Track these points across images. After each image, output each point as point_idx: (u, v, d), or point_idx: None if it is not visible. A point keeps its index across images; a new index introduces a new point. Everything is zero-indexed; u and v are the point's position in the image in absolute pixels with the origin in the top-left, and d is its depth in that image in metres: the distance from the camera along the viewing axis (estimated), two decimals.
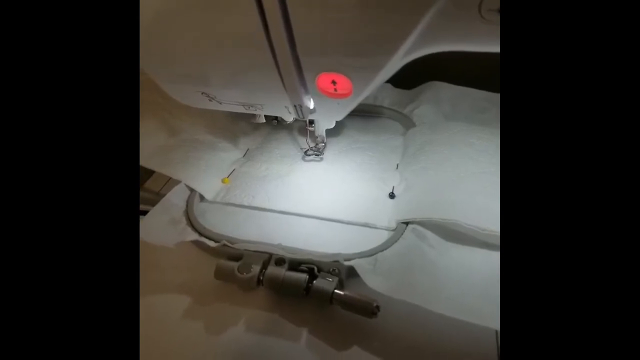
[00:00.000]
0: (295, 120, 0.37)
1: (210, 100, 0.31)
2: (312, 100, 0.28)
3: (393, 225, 0.34)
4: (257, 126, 0.47)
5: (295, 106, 0.29)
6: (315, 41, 0.22)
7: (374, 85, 0.26)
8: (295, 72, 0.25)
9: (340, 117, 0.31)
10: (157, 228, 0.33)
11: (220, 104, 0.31)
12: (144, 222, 0.33)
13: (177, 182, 0.38)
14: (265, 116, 0.38)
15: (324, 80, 0.25)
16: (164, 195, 0.39)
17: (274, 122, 0.40)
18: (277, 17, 0.21)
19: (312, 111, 0.29)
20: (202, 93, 0.30)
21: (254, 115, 0.37)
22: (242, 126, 0.46)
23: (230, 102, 0.31)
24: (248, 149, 0.44)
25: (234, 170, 0.41)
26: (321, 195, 0.38)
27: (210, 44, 0.25)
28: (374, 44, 0.21)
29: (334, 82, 0.25)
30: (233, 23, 0.23)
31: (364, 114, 0.48)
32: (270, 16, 0.21)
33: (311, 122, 0.39)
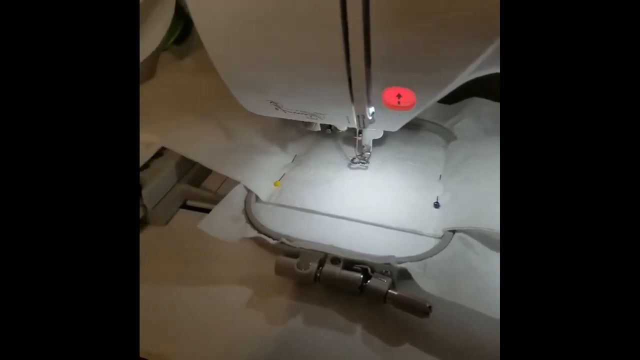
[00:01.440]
0: (347, 129, 0.40)
1: (276, 109, 0.34)
2: (374, 111, 0.31)
3: (440, 233, 0.35)
4: (305, 133, 0.50)
5: (358, 116, 0.31)
6: (391, 59, 0.25)
7: (435, 99, 0.28)
8: (365, 86, 0.27)
9: (396, 128, 0.33)
10: (221, 224, 0.36)
11: (285, 112, 0.34)
12: (209, 218, 0.36)
13: (232, 182, 0.41)
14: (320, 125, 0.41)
15: (390, 93, 0.28)
16: (220, 194, 0.42)
17: (328, 131, 0.43)
18: (359, 35, 0.24)
19: (372, 121, 0.32)
20: (270, 102, 0.33)
21: (309, 123, 0.40)
22: (290, 133, 0.49)
23: (295, 110, 0.33)
24: (296, 155, 0.47)
25: (284, 174, 0.44)
26: (368, 201, 0.40)
27: (289, 57, 0.27)
28: (447, 64, 0.24)
29: (399, 96, 0.28)
30: (316, 40, 0.25)
31: (407, 125, 0.50)
32: (353, 35, 0.24)
33: (359, 131, 0.41)
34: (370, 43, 0.24)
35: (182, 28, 0.75)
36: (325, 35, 0.25)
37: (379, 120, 0.32)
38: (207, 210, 0.41)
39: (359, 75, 0.27)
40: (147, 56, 0.63)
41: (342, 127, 0.39)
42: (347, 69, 0.26)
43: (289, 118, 0.35)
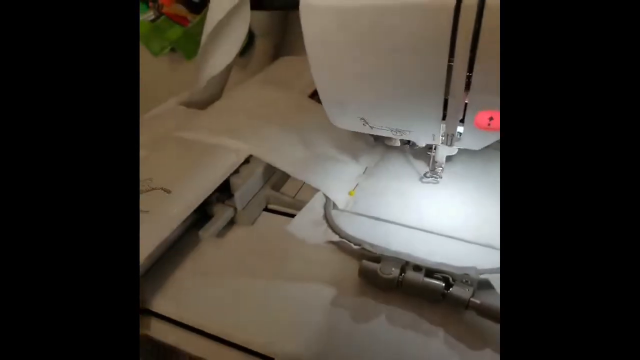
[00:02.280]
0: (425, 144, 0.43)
1: (363, 125, 0.37)
2: (462, 130, 0.33)
3: None
4: (373, 145, 0.52)
5: (447, 134, 0.34)
6: (490, 85, 0.27)
7: None
8: (460, 108, 0.30)
9: (480, 147, 0.35)
10: (305, 228, 0.39)
11: (372, 128, 0.37)
12: (295, 222, 0.39)
13: (307, 188, 0.44)
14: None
15: (482, 116, 0.30)
16: (298, 199, 0.45)
17: (406, 147, 0.45)
18: (463, 63, 0.26)
19: (458, 139, 0.34)
20: (360, 118, 0.36)
21: (389, 138, 0.42)
22: (360, 145, 0.52)
23: (382, 127, 0.36)
24: (367, 167, 0.50)
25: (357, 184, 0.47)
26: (441, 214, 0.42)
27: (390, 79, 0.30)
28: None
29: (490, 119, 0.30)
30: (420, 65, 0.28)
31: None
32: (457, 62, 0.27)
33: (434, 147, 0.43)
34: (473, 71, 0.27)
35: (246, 41, 0.81)
36: (431, 61, 0.27)
37: (465, 139, 0.34)
38: (287, 214, 0.44)
39: (456, 98, 0.29)
40: (224, 68, 0.68)
41: (422, 143, 0.41)
42: (445, 91, 0.29)
43: (373, 133, 0.38)
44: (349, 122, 0.38)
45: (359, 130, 0.38)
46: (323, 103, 0.37)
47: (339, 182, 0.45)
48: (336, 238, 0.38)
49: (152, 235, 0.35)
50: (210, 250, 0.40)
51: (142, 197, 0.38)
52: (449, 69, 0.27)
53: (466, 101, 0.29)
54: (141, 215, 0.35)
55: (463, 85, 0.28)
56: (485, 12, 0.24)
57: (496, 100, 0.29)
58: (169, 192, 0.38)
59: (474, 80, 0.27)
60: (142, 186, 0.39)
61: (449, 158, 0.47)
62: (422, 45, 0.27)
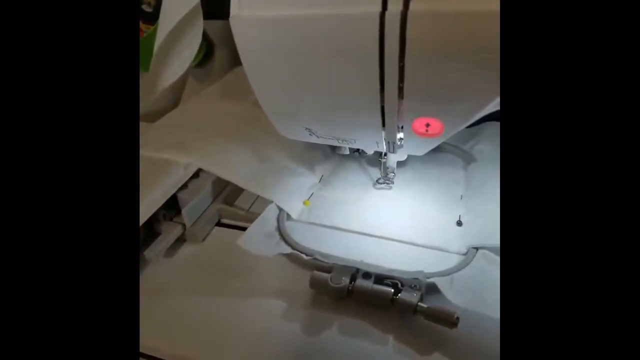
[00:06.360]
0: (374, 152, 0.43)
1: (310, 135, 0.37)
2: (402, 137, 0.33)
3: (464, 250, 0.37)
4: (330, 155, 0.52)
5: (387, 142, 0.34)
6: (422, 92, 0.28)
7: (462, 127, 0.31)
8: (396, 115, 0.30)
9: (422, 152, 0.36)
10: (257, 240, 0.38)
11: (318, 137, 0.37)
12: (246, 235, 0.38)
13: (262, 200, 0.44)
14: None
15: (419, 122, 0.30)
16: (253, 212, 0.44)
17: (356, 154, 0.45)
18: (394, 71, 0.27)
19: (400, 146, 0.34)
20: (306, 128, 0.36)
21: (338, 147, 0.42)
22: (316, 155, 0.52)
23: (328, 136, 0.36)
24: (322, 176, 0.50)
25: (312, 194, 0.47)
26: (393, 220, 0.42)
27: (327, 88, 0.30)
28: (475, 98, 0.26)
29: (427, 125, 0.30)
30: (353, 73, 0.28)
31: None
32: (388, 70, 0.27)
33: (384, 154, 0.44)
34: (404, 78, 0.27)
35: (205, 52, 0.80)
36: (363, 69, 0.28)
37: (407, 146, 0.34)
38: (241, 228, 0.44)
39: (392, 105, 0.29)
40: (177, 79, 0.67)
41: (370, 151, 0.42)
42: (380, 99, 0.29)
43: (321, 142, 0.38)
44: (296, 132, 0.38)
45: (307, 140, 0.38)
46: (267, 114, 0.36)
47: (293, 193, 0.45)
48: (288, 250, 0.38)
49: None
50: (158, 270, 0.39)
51: None
52: (382, 77, 0.28)
53: (401, 109, 0.30)
54: None
55: (396, 94, 0.28)
56: (409, 20, 0.25)
57: (430, 107, 0.29)
58: None
59: (405, 88, 0.28)
60: None
61: (401, 163, 0.48)
62: (353, 53, 0.27)
